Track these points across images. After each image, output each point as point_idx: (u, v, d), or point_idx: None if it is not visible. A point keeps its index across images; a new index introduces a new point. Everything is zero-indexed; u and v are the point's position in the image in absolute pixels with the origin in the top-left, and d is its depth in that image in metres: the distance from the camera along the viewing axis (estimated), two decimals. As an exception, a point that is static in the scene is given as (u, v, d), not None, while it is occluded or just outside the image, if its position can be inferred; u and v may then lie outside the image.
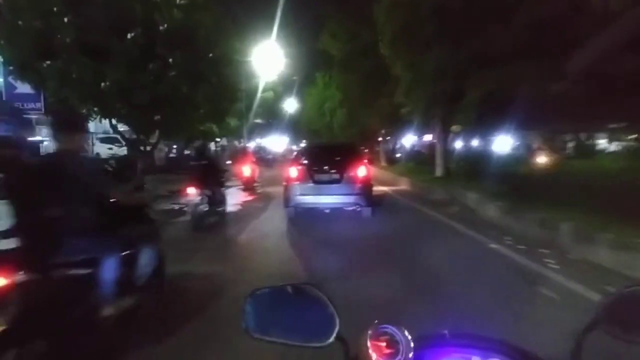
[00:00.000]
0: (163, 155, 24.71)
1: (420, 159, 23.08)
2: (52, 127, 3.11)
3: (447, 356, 0.97)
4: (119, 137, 15.58)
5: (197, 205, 8.04)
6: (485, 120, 12.76)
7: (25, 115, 13.79)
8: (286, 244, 7.40)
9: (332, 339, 0.97)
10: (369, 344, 0.91)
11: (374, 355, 0.89)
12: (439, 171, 15.85)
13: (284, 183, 9.46)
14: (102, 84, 12.01)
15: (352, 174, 9.02)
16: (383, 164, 26.88)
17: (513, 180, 10.55)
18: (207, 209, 8.24)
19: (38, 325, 2.58)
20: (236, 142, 36.86)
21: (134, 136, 15.11)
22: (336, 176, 9.02)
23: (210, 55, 13.38)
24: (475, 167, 14.64)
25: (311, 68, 37.34)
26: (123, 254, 3.24)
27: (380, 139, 30.89)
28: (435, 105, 14.39)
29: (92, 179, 3.03)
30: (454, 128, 16.58)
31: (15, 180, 2.80)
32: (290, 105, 48.76)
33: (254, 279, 5.18)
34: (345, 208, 9.31)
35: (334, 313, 1.00)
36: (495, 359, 0.95)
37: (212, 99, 13.82)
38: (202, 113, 14.79)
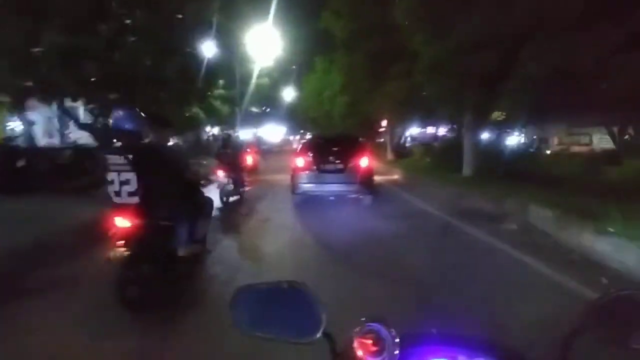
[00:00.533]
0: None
1: (434, 154, 20.24)
2: (150, 125, 4.21)
3: (432, 355, 0.95)
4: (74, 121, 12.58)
5: (224, 185, 9.47)
6: (546, 106, 9.75)
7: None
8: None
9: (318, 336, 0.99)
10: (355, 341, 0.95)
11: (359, 353, 0.93)
12: (467, 170, 12.94)
13: (291, 172, 10.25)
14: (38, 50, 8.95)
15: (355, 164, 9.67)
16: (390, 157, 23.94)
17: (592, 188, 7.65)
18: (232, 188, 9.67)
19: (145, 253, 3.89)
20: (230, 132, 34.36)
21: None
22: (340, 166, 9.70)
23: (180, 17, 10.26)
24: (516, 166, 11.94)
25: (309, 54, 35.44)
26: (192, 216, 4.57)
27: (382, 129, 28.15)
28: (468, 86, 11.48)
29: (175, 162, 4.35)
30: (496, 116, 13.55)
31: (137, 159, 3.81)
32: (288, 93, 46.08)
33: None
34: (348, 195, 9.87)
35: (321, 310, 1.01)
36: (481, 359, 0.93)
37: (185, 75, 10.89)
38: (173, 93, 11.75)
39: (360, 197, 9.80)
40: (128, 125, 3.93)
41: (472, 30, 9.82)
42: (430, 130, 39.89)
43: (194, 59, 11.91)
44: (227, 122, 33.21)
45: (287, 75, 42.94)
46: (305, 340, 1.00)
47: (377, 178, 14.36)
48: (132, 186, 3.78)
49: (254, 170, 15.46)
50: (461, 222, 7.97)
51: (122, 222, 3.83)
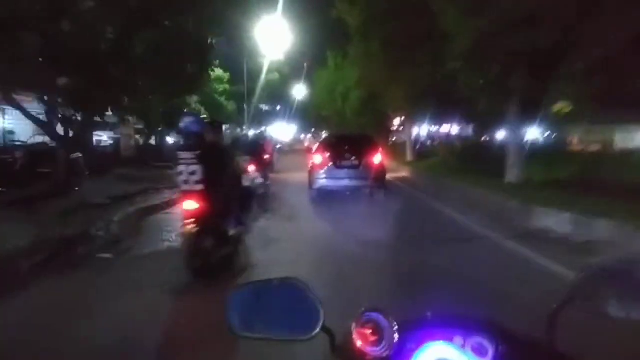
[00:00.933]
0: (133, 143, 19.60)
1: (460, 155, 17.83)
2: (210, 128, 5.16)
3: (429, 338, 0.92)
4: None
5: (254, 179, 9.28)
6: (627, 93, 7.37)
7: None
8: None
9: (317, 331, 0.95)
10: (354, 332, 0.92)
11: (359, 344, 0.91)
12: (512, 175, 10.46)
13: (309, 168, 11.00)
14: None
15: (369, 161, 10.40)
16: (410, 158, 21.50)
17: None
18: (261, 182, 9.94)
19: (209, 231, 4.67)
20: (239, 130, 32.66)
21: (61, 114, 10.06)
22: (355, 162, 10.41)
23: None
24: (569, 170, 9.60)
25: (321, 48, 33.25)
26: (239, 203, 5.37)
27: (397, 128, 25.94)
28: (515, 70, 9.12)
29: (230, 158, 5.24)
30: (561, 107, 10.95)
31: (202, 155, 4.63)
32: (299, 91, 44.02)
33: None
34: (362, 190, 10.50)
35: (319, 304, 0.98)
36: (477, 338, 0.91)
37: (164, 55, 8.65)
38: (154, 80, 9.44)
39: (374, 192, 10.41)
40: (195, 128, 4.79)
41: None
42: (446, 128, 37.53)
43: (180, 37, 9.65)
44: (233, 119, 31.32)
45: (298, 72, 40.95)
46: (303, 337, 0.96)
47: (398, 184, 14.08)
48: (198, 176, 4.59)
49: (270, 167, 15.08)
50: (530, 251, 5.57)
51: (191, 205, 4.61)
